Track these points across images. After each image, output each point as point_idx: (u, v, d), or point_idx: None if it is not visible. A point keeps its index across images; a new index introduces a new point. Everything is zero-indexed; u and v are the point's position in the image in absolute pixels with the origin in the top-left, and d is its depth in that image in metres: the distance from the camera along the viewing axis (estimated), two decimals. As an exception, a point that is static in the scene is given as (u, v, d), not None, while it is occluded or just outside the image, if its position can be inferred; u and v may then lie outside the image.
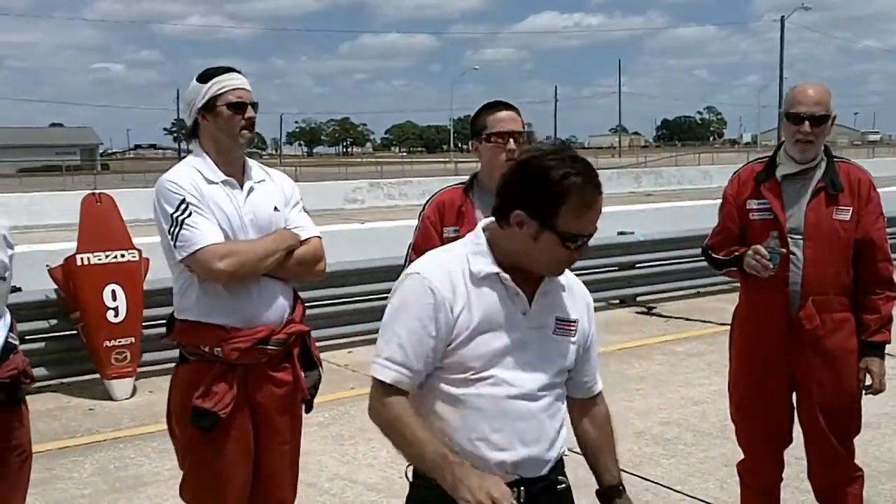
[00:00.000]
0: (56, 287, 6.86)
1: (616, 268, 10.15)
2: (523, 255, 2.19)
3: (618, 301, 10.19)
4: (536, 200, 2.11)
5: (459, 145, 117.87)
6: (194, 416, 3.08)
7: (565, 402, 2.37)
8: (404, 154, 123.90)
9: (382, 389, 2.17)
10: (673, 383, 6.96)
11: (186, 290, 3.16)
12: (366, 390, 2.23)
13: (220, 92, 3.15)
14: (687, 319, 9.45)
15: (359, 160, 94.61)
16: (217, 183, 3.15)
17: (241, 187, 3.20)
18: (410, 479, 2.30)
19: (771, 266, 3.53)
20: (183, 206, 3.06)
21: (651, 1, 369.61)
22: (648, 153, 79.98)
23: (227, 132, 3.16)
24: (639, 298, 10.28)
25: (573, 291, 2.35)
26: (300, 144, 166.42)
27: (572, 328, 2.32)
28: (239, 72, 3.26)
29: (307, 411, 3.32)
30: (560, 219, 2.11)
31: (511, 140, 3.38)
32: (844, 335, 3.65)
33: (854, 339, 3.66)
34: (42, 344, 6.86)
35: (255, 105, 3.22)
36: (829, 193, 3.63)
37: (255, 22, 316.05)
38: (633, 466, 5.18)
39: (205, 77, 3.20)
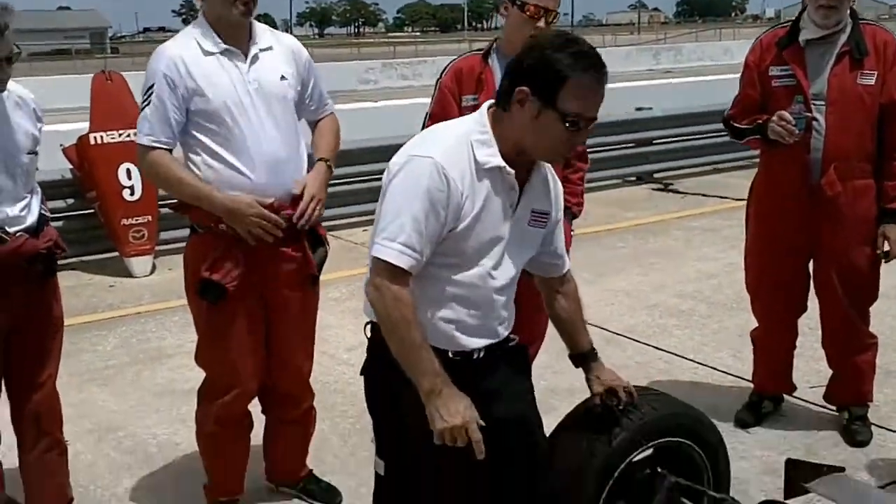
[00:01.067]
0: (71, 167, 6.87)
1: (632, 144, 10.02)
2: (525, 138, 2.20)
3: (634, 178, 10.10)
4: (540, 78, 2.13)
5: (474, 24, 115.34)
6: (202, 288, 3.08)
7: None
8: (417, 34, 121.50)
9: (391, 273, 2.17)
10: (688, 258, 6.96)
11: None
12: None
13: None
14: (704, 195, 9.38)
15: (371, 41, 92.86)
16: (215, 53, 3.03)
17: (246, 56, 3.06)
18: (369, 336, 2.37)
19: (797, 131, 3.47)
20: (148, 91, 3.00)
21: None
22: (668, 30, 78.07)
23: (221, 6, 3.01)
24: (655, 175, 10.19)
25: (550, 184, 2.40)
26: (311, 25, 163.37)
27: (545, 220, 2.39)
28: None
29: (312, 286, 3.30)
30: (560, 96, 2.12)
31: (543, 19, 3.29)
32: (866, 203, 3.62)
33: (875, 208, 3.63)
34: (60, 223, 6.88)
35: None
36: (854, 58, 3.54)
37: None
38: (647, 337, 5.25)
39: None
